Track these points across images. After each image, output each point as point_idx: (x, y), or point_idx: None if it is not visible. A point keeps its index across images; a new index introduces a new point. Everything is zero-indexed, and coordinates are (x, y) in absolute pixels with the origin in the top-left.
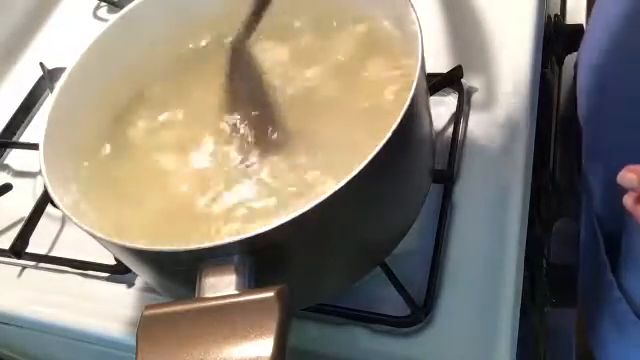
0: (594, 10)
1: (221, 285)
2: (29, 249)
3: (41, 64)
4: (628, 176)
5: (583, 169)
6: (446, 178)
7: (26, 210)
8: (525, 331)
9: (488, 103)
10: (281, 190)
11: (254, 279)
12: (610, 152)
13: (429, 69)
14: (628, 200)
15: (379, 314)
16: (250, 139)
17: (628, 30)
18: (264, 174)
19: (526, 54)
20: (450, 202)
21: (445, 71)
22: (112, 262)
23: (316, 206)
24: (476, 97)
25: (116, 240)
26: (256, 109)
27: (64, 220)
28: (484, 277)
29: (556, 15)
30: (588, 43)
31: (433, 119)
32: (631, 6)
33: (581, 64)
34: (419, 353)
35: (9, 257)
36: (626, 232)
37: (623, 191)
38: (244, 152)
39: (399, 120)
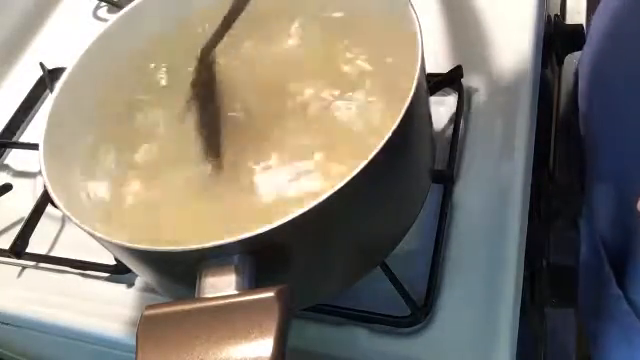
0: (593, 18)
1: (221, 285)
2: (29, 249)
3: (41, 64)
4: None
5: (587, 188)
6: (446, 178)
7: (26, 210)
8: (525, 331)
9: (488, 103)
10: None
11: (254, 279)
12: (617, 171)
13: (429, 69)
14: None
15: (379, 314)
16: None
17: (625, 32)
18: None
19: (526, 54)
20: (450, 202)
21: (445, 71)
22: (112, 262)
23: (316, 206)
24: (476, 97)
25: (116, 240)
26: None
27: (64, 220)
28: (484, 277)
29: (556, 15)
30: (587, 52)
31: (433, 119)
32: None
33: (581, 76)
34: (419, 353)
35: (9, 257)
36: (634, 247)
37: (634, 210)
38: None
39: (399, 120)
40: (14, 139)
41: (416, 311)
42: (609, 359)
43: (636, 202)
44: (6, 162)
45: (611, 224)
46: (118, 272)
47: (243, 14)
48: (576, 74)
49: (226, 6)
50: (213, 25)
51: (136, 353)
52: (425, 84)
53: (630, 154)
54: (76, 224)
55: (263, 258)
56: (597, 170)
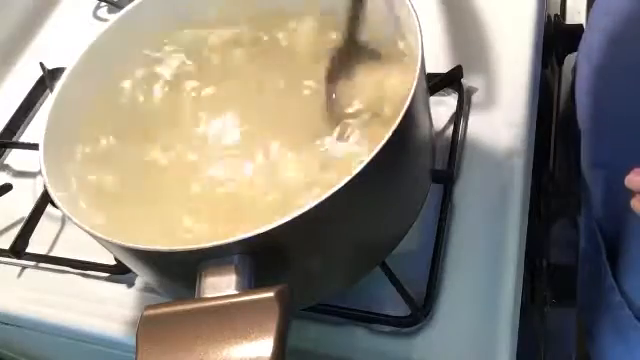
0: (591, 13)
1: (221, 285)
2: (29, 249)
3: (41, 64)
4: (636, 179)
5: (582, 175)
6: (446, 178)
7: (26, 210)
8: (525, 331)
9: (488, 103)
10: None
11: (254, 279)
12: (611, 157)
13: (429, 69)
14: (636, 204)
15: (379, 314)
16: None
17: (627, 29)
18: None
19: (526, 54)
20: (450, 202)
21: (445, 71)
22: (112, 262)
23: (316, 206)
24: (476, 97)
25: (116, 240)
26: None
27: (64, 220)
28: (484, 277)
29: (556, 15)
30: (586, 45)
31: (433, 119)
32: (630, 4)
33: (580, 67)
34: (419, 353)
35: (9, 257)
36: (626, 234)
37: (627, 195)
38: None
39: (399, 120)
40: (14, 139)
41: (416, 311)
42: (605, 352)
43: (625, 182)
44: (6, 162)
45: (605, 211)
46: (118, 272)
47: None
48: (574, 70)
49: (225, 6)
50: (212, 27)
51: (136, 353)
52: (425, 84)
53: (623, 145)
54: (76, 224)
55: (263, 258)
56: (592, 158)
